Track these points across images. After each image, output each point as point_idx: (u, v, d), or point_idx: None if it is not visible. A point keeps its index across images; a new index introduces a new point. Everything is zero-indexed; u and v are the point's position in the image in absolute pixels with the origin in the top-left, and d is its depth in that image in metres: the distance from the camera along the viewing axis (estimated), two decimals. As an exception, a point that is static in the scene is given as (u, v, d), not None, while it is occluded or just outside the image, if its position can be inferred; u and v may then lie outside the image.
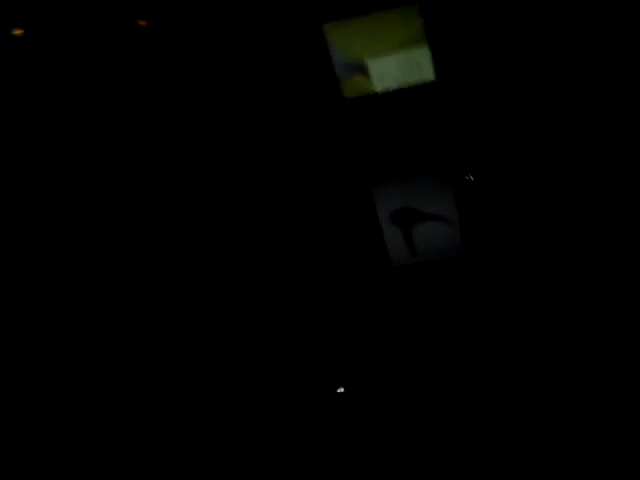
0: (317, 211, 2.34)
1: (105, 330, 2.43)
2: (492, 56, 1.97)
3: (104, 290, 2.43)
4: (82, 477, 2.30)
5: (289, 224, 2.35)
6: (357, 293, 2.39)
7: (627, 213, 2.09)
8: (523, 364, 2.33)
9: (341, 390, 2.41)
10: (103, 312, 2.43)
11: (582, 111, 2.04)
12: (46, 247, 2.40)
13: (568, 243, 2.16)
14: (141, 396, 2.43)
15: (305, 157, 2.25)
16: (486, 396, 2.37)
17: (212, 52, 2.27)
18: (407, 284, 2.34)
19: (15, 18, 2.30)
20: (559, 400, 2.28)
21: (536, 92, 1.99)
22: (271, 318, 2.45)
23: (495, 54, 1.96)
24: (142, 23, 2.23)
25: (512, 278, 2.26)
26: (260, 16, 2.17)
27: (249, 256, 2.43)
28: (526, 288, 2.25)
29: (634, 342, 2.18)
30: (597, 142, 2.10)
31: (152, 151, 2.45)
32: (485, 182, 2.16)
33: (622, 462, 2.15)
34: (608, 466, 2.16)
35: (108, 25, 2.35)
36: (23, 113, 2.35)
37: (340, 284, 2.40)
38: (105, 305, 2.43)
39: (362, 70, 2.12)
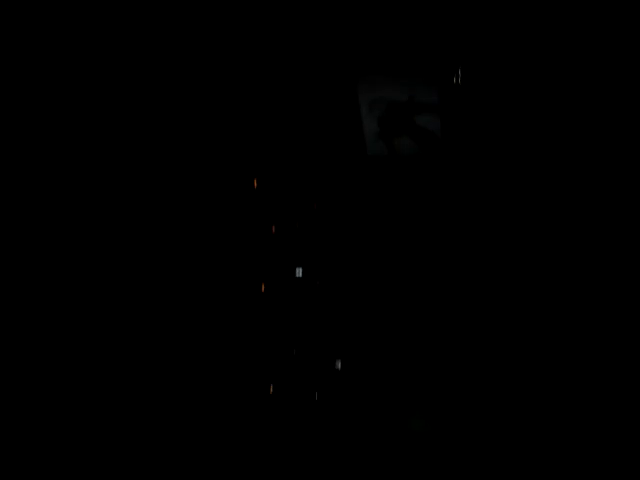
0: (297, 92, 2.26)
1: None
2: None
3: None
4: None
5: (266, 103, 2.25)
6: (331, 181, 2.33)
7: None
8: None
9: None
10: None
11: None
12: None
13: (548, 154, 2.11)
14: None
15: (293, 36, 2.17)
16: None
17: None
18: (381, 174, 2.30)
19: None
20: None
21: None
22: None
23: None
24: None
25: (488, 180, 2.21)
26: None
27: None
28: (502, 190, 2.20)
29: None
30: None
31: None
32: (471, 84, 2.12)
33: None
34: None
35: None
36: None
37: (315, 169, 2.33)
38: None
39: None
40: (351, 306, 2.39)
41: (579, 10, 2.02)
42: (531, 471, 2.22)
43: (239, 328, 2.38)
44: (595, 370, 2.20)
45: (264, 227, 2.36)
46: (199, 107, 2.29)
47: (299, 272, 2.37)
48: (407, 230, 2.32)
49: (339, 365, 2.39)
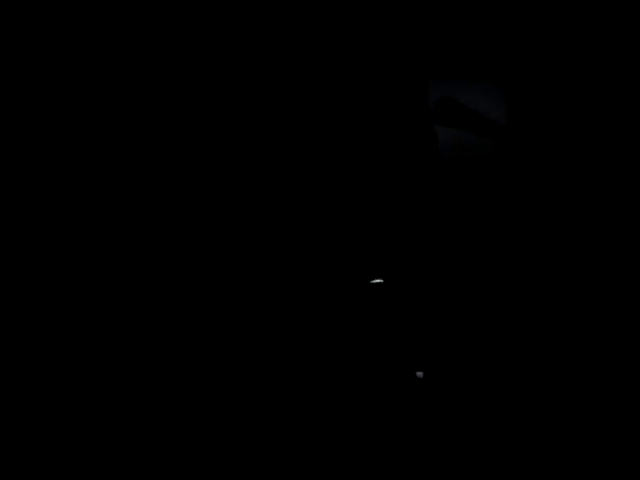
0: (368, 98, 2.26)
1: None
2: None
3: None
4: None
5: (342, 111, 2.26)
6: (403, 184, 2.33)
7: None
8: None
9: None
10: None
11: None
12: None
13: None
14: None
15: (361, 44, 2.19)
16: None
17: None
18: (453, 178, 2.30)
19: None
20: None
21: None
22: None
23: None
24: None
25: (554, 184, 2.23)
26: None
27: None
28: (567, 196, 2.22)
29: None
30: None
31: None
32: (538, 87, 2.16)
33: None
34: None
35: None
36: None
37: (385, 176, 2.33)
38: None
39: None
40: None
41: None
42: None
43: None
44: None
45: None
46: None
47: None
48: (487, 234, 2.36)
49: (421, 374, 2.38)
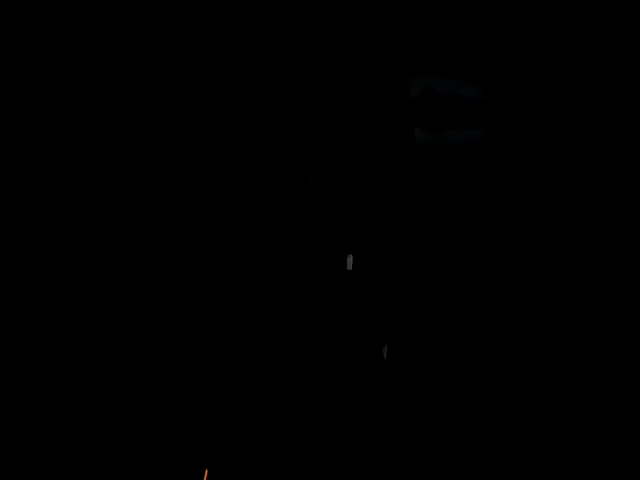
0: (352, 92, 2.27)
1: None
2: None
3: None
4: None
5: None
6: (381, 171, 2.29)
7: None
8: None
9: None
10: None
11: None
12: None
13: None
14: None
15: (344, 41, 2.20)
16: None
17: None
18: (430, 166, 2.27)
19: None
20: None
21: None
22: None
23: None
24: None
25: (536, 170, 2.20)
26: None
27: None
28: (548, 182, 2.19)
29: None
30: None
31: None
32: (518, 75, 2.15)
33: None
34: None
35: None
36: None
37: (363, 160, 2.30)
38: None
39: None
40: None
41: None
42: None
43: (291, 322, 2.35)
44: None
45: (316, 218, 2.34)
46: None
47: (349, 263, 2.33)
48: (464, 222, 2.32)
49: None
